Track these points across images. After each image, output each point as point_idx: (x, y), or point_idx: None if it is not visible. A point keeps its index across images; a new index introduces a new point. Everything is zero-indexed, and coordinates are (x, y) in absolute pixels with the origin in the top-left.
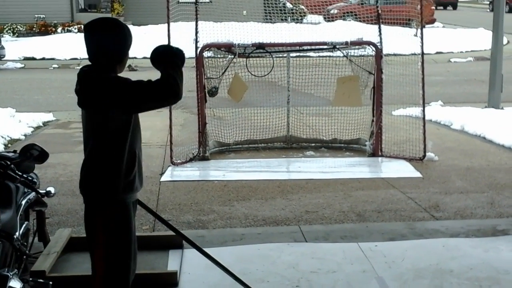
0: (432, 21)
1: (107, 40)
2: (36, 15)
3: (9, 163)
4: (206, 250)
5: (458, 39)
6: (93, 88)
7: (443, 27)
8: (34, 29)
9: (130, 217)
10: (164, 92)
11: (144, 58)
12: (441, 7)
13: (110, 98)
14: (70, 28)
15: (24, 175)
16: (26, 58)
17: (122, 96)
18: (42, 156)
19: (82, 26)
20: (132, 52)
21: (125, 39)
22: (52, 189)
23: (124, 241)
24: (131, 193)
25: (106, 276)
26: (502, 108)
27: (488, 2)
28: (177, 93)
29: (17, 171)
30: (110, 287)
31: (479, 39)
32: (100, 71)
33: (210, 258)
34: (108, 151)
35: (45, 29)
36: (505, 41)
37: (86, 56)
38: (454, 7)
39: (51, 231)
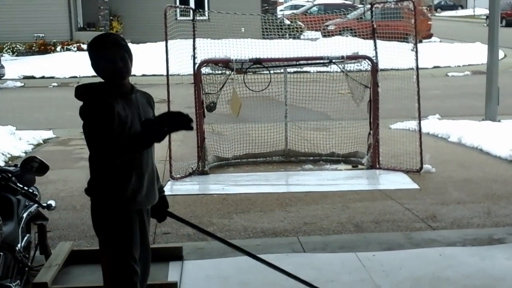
0: (429, 35)
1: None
2: (36, 34)
3: (10, 175)
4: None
5: (455, 53)
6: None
7: (440, 41)
8: (33, 48)
9: (128, 223)
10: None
11: (143, 75)
12: None
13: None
14: (69, 47)
15: (25, 188)
16: (25, 77)
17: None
18: (43, 168)
19: (81, 45)
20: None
21: (93, 55)
22: (53, 202)
23: (122, 244)
24: (133, 203)
25: (111, 276)
26: (499, 121)
27: (484, 17)
28: (114, 157)
29: (18, 184)
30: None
31: (476, 53)
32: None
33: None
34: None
35: (45, 48)
36: (501, 55)
37: (85, 74)
38: None
39: (52, 244)
